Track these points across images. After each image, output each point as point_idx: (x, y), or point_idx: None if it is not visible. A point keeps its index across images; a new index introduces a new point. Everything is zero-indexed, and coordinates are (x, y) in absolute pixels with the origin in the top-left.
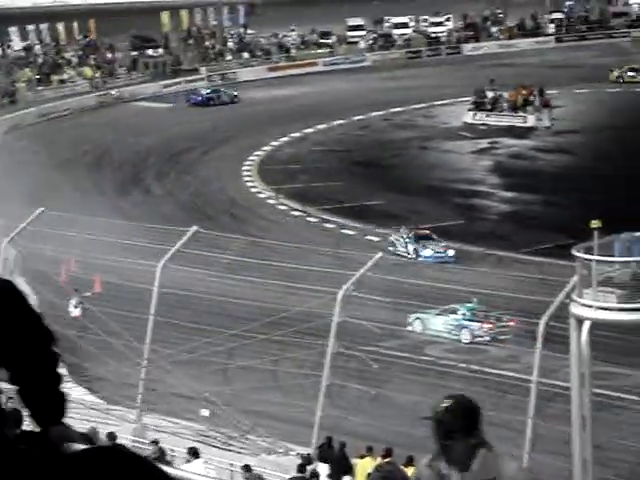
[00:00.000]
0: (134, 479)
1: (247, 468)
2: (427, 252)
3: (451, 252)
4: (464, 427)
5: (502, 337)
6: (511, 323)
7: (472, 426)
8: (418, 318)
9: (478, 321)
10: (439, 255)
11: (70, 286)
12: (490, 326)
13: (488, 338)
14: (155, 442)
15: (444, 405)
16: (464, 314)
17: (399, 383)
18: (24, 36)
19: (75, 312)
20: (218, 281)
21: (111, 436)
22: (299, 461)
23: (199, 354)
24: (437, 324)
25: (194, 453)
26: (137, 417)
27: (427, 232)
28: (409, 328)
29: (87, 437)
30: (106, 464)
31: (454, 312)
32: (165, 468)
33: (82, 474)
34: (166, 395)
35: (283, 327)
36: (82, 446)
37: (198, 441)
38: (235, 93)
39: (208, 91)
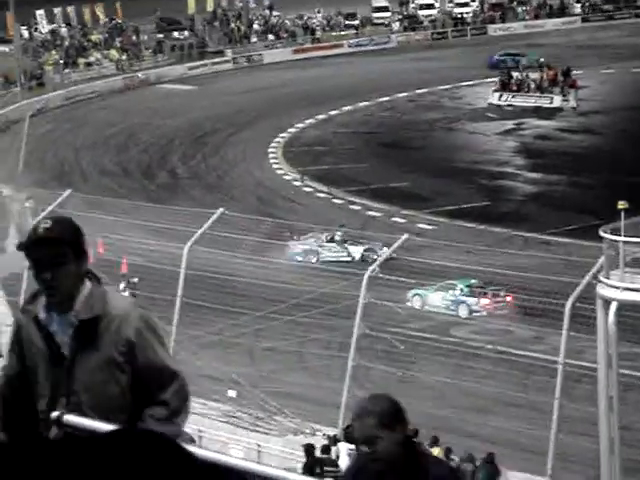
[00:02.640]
0: (161, 461)
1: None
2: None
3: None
4: (73, 245)
5: (499, 312)
6: (508, 298)
7: (80, 250)
8: (417, 294)
9: (475, 296)
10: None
11: (99, 268)
12: (487, 301)
13: (485, 313)
14: None
15: (44, 225)
16: (462, 289)
17: (425, 364)
18: (51, 19)
19: None
20: (244, 263)
21: None
22: (324, 442)
23: (226, 336)
24: (435, 300)
25: None
26: None
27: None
28: (408, 304)
29: None
30: (133, 446)
31: (452, 288)
32: (193, 449)
33: (108, 456)
34: (193, 376)
35: (309, 308)
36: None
37: (225, 422)
38: (540, 59)
39: (498, 55)
